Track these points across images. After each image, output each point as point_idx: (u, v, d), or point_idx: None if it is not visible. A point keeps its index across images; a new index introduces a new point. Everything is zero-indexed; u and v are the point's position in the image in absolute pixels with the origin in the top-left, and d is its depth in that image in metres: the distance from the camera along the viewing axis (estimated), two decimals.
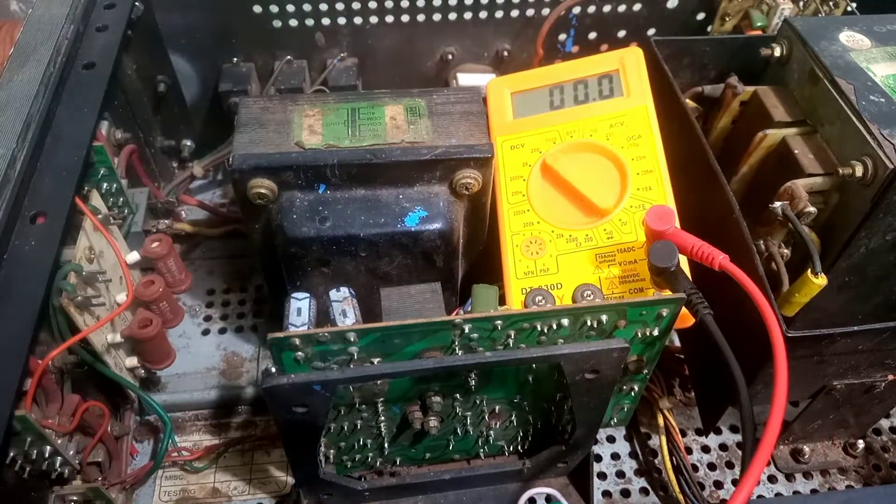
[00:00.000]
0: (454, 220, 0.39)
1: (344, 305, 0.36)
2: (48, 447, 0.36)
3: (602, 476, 0.47)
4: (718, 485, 0.46)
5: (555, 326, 0.33)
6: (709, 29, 0.62)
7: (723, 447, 0.48)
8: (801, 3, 0.58)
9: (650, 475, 0.47)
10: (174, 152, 0.60)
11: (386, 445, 0.40)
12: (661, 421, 0.45)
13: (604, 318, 0.33)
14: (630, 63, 0.44)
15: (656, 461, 0.47)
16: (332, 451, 0.40)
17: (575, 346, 0.33)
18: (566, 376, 0.34)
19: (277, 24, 0.55)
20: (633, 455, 0.48)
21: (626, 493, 0.46)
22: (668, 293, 0.34)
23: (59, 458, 0.37)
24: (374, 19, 0.57)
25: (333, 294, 0.36)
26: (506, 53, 0.61)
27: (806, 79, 0.46)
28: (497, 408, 0.39)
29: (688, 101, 0.50)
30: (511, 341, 0.34)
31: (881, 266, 0.43)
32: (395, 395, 0.36)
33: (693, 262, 0.35)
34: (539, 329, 0.33)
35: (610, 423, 0.45)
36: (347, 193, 0.39)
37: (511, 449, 0.43)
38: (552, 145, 0.43)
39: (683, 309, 0.34)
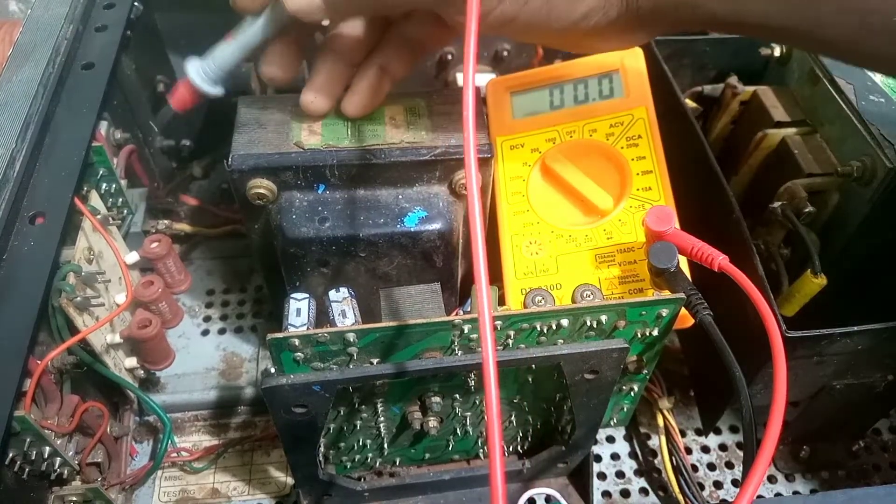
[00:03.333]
0: (454, 220, 0.39)
1: (343, 306, 0.36)
2: (47, 448, 0.36)
3: (602, 476, 0.47)
4: (718, 485, 0.46)
5: (554, 327, 0.33)
6: None
7: (722, 447, 0.48)
8: None
9: (650, 475, 0.47)
10: (174, 152, 0.60)
11: (385, 446, 0.40)
12: (660, 421, 0.45)
13: (603, 318, 0.33)
14: (630, 63, 0.43)
15: (656, 461, 0.47)
16: (331, 451, 0.40)
17: (574, 347, 0.32)
18: (566, 376, 0.34)
19: None
20: (632, 455, 0.48)
21: (625, 494, 0.46)
22: (667, 294, 0.34)
23: (59, 458, 0.37)
24: None
25: (333, 294, 0.36)
26: (506, 53, 0.61)
27: (806, 79, 0.46)
28: None
29: (688, 101, 0.50)
30: (511, 341, 0.34)
31: (881, 265, 0.43)
32: (395, 395, 0.36)
33: (693, 263, 0.35)
34: (539, 329, 0.33)
35: (610, 423, 0.45)
36: (347, 194, 0.39)
37: (511, 449, 0.43)
38: (552, 145, 0.43)
39: (683, 309, 0.34)
